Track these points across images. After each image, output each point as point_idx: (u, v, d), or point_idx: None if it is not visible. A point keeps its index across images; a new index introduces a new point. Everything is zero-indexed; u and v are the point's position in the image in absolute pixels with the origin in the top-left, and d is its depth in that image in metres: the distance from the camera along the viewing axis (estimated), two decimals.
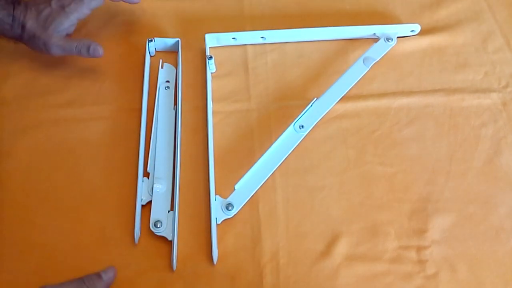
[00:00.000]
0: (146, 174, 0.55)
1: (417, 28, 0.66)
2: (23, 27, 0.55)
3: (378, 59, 0.63)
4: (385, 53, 0.65)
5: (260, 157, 0.54)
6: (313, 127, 0.58)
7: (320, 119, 0.58)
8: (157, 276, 0.50)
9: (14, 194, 0.54)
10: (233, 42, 0.65)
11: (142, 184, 0.53)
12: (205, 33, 0.64)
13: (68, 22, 0.57)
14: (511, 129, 0.60)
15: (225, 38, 0.65)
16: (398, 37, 0.66)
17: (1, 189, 0.54)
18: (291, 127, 0.57)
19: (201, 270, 0.50)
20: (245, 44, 0.66)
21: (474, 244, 0.52)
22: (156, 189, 0.53)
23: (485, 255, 0.52)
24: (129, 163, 0.56)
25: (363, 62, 0.63)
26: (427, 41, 0.66)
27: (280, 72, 0.64)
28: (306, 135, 0.57)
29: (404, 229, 0.53)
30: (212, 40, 0.64)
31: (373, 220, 0.53)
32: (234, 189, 0.53)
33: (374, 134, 0.59)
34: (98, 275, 0.47)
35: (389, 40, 0.65)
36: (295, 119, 0.57)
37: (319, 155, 0.57)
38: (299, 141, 0.57)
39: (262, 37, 0.65)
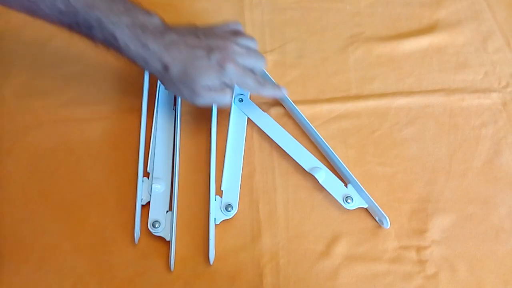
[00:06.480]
0: (146, 174, 0.55)
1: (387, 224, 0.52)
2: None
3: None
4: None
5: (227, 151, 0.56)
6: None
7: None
8: (156, 277, 0.50)
9: (14, 194, 0.54)
10: None
11: (142, 184, 0.53)
12: None
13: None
14: (511, 129, 0.60)
15: None
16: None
17: (1, 189, 0.54)
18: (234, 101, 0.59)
19: (200, 270, 0.50)
20: None
21: (474, 244, 0.52)
22: (154, 189, 0.53)
23: (485, 255, 0.52)
24: (129, 163, 0.56)
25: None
26: (427, 41, 0.66)
27: (280, 72, 0.64)
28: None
29: (404, 229, 0.53)
30: None
31: (373, 220, 0.53)
32: (222, 191, 0.53)
33: (374, 134, 0.59)
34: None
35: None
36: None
37: None
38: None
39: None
